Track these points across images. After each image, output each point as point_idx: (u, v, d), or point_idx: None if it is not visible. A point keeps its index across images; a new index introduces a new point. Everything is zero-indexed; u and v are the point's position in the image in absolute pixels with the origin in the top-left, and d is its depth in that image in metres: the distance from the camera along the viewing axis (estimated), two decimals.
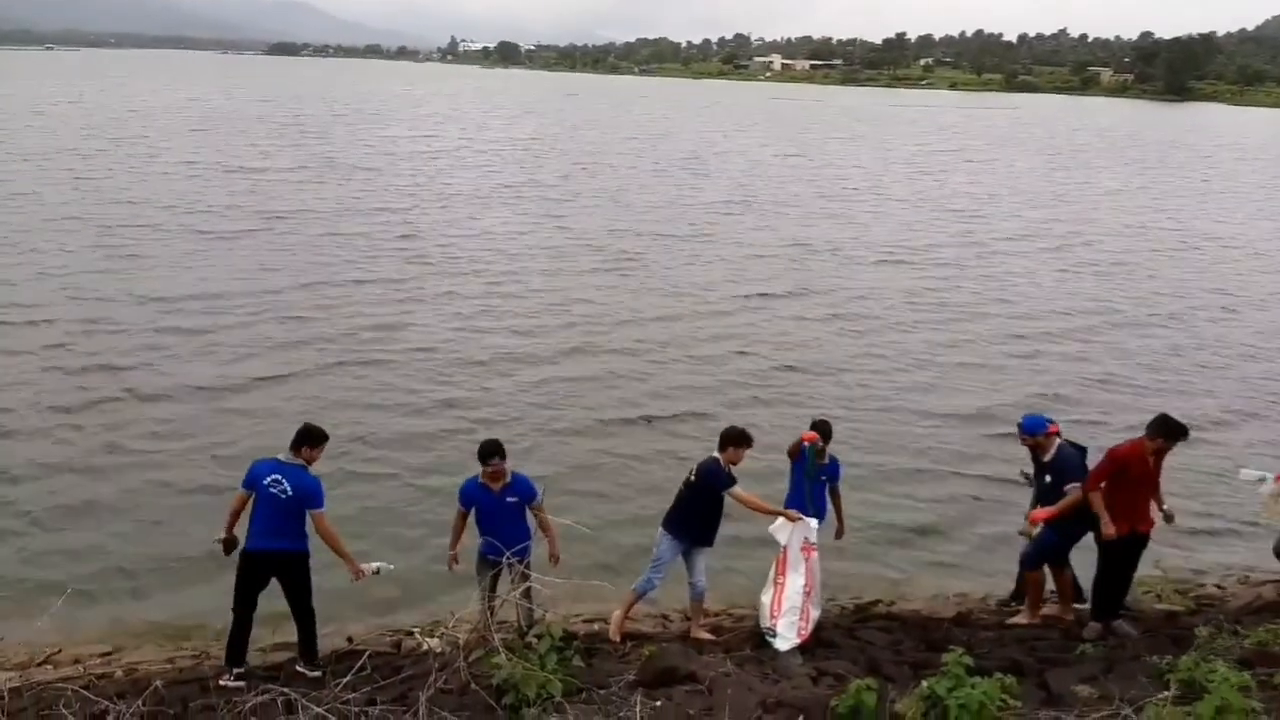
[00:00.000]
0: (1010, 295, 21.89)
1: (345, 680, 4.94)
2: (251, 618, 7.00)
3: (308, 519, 6.84)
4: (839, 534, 8.34)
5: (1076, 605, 8.15)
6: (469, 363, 15.29)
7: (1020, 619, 8.12)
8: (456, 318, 17.85)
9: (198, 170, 34.74)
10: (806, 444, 7.89)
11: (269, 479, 6.78)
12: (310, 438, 6.91)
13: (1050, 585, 8.19)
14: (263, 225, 25.31)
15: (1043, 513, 7.65)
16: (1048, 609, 8.20)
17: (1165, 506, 7.74)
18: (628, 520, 10.19)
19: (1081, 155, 58.93)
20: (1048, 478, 7.83)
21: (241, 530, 6.95)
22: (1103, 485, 7.49)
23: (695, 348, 16.73)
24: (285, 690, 4.93)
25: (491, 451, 7.12)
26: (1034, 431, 7.89)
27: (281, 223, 25.82)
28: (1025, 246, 28.08)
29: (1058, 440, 7.86)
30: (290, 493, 6.75)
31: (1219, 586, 8.62)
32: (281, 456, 6.88)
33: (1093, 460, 7.85)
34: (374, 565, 7.14)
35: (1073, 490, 7.57)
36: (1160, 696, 5.44)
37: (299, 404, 12.85)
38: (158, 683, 5.91)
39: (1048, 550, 7.92)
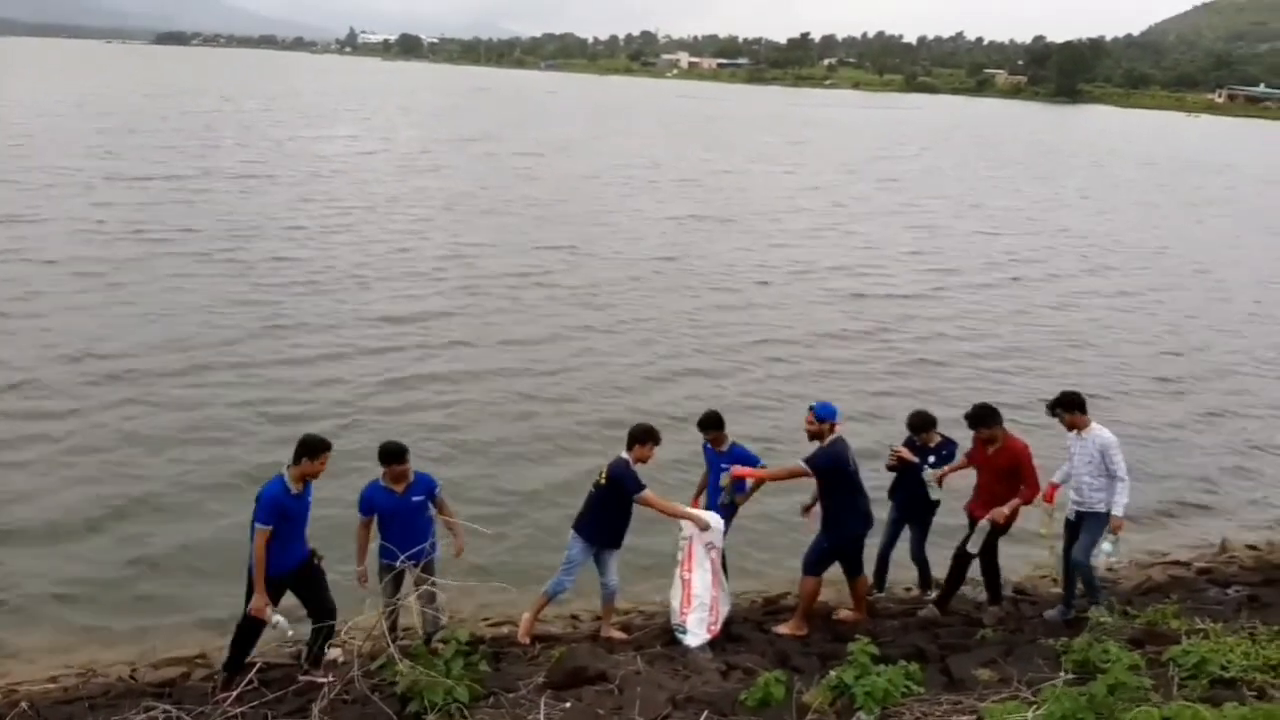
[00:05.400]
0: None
1: (233, 694, 4.71)
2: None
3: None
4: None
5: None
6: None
7: (784, 629, 7.73)
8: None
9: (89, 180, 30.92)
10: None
11: None
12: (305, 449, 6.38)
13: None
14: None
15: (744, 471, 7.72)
16: (842, 613, 8.03)
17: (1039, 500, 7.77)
18: (535, 522, 10.07)
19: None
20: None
21: None
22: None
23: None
24: (169, 708, 4.68)
25: (395, 452, 6.92)
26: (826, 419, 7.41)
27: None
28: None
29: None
30: None
31: (1110, 570, 8.90)
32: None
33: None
34: (278, 619, 6.39)
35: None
36: (1056, 678, 5.60)
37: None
38: (23, 704, 5.54)
39: (824, 556, 7.64)
